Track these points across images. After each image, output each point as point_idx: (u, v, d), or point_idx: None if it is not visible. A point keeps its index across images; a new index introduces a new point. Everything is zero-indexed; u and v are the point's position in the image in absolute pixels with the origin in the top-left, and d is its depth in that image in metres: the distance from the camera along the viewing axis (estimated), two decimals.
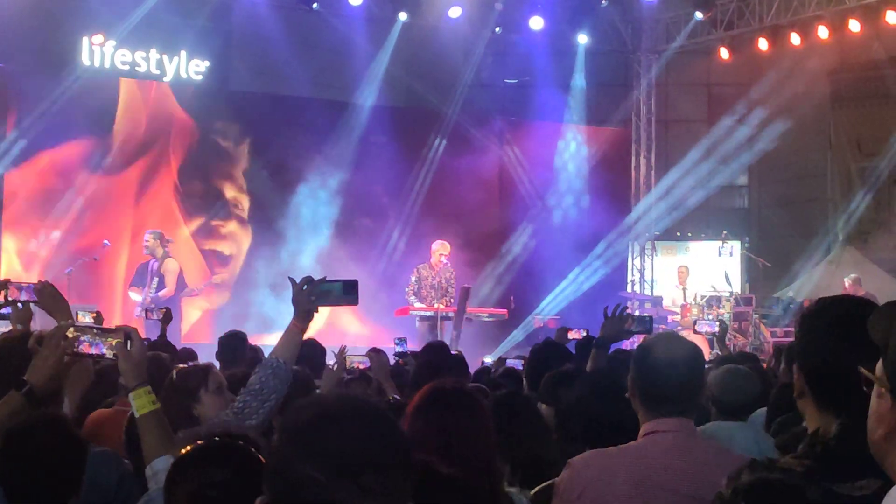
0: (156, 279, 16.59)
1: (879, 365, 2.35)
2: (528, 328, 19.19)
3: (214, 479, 3.13)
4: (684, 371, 4.02)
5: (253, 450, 3.22)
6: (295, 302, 4.85)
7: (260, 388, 4.72)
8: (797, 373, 3.25)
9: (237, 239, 19.65)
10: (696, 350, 4.17)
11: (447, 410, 3.96)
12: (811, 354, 3.21)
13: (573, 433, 5.14)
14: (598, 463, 4.05)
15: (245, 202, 19.64)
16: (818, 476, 2.51)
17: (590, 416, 4.83)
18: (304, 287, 4.84)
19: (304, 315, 4.84)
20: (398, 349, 11.64)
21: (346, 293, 4.94)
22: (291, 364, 4.87)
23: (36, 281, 5.90)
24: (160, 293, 16.60)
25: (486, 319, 18.60)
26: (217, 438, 3.28)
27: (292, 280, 4.91)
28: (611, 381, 5.12)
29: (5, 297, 5.64)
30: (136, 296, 16.89)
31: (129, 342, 4.08)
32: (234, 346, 9.14)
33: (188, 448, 3.31)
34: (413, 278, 17.25)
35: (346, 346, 8.34)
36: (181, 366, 5.51)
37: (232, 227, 19.57)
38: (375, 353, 8.33)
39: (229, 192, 19.50)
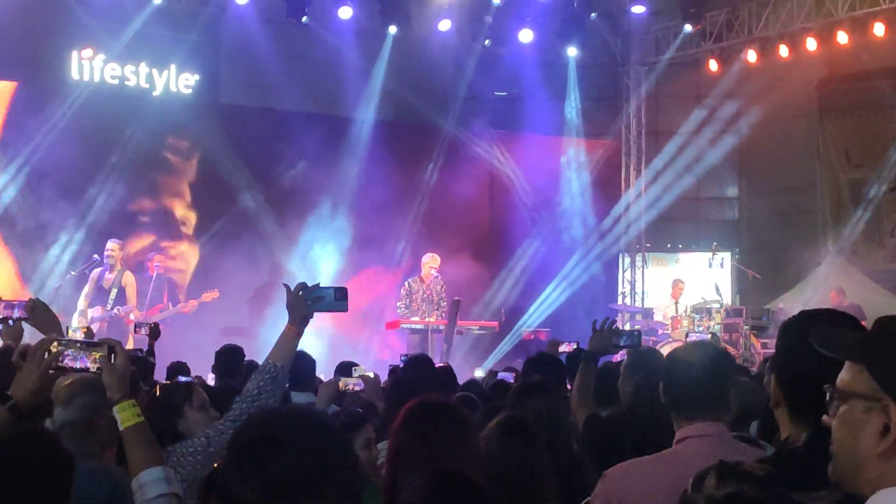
0: (115, 291, 16.23)
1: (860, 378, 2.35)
2: (519, 340, 19.18)
3: None
4: (705, 374, 4.08)
5: None
6: (290, 307, 4.91)
7: (258, 394, 4.74)
8: (773, 382, 3.28)
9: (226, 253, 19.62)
10: (719, 352, 4.27)
11: (431, 424, 3.97)
12: (787, 365, 3.25)
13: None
14: (633, 472, 4.09)
15: (236, 214, 19.60)
16: (778, 482, 2.52)
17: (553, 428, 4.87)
18: (300, 293, 4.90)
19: (300, 320, 4.89)
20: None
21: (338, 299, 4.98)
22: (288, 368, 4.89)
23: (27, 298, 5.90)
24: (124, 309, 16.21)
25: (477, 332, 18.62)
26: None
27: (287, 286, 4.97)
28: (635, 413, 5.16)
29: None
30: (94, 312, 16.16)
31: (112, 355, 4.07)
32: (231, 359, 9.17)
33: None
34: (403, 292, 17.25)
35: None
36: (164, 382, 5.53)
37: (222, 240, 19.54)
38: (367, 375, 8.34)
39: (218, 205, 19.45)
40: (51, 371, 4.04)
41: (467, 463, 3.95)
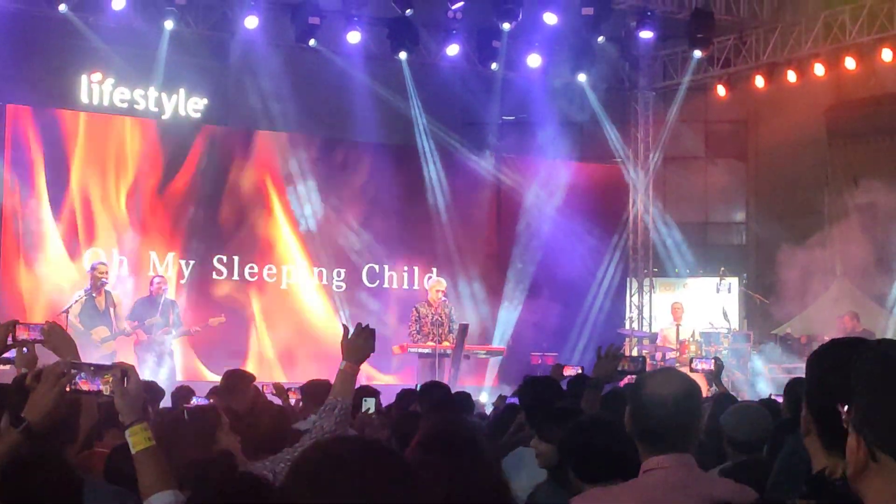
0: (112, 310, 16.26)
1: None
2: (527, 364, 19.14)
3: None
4: (675, 406, 4.01)
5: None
6: (350, 346, 5.24)
7: (333, 430, 4.97)
8: (805, 410, 3.26)
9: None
10: (690, 384, 4.16)
11: (447, 451, 3.97)
12: (818, 393, 3.22)
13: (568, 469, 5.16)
14: (599, 501, 4.05)
15: (247, 240, 19.63)
16: None
17: (583, 451, 4.83)
18: (362, 334, 5.28)
19: (361, 359, 5.25)
20: None
21: (373, 340, 5.38)
22: (349, 403, 5.23)
23: (44, 322, 5.90)
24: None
25: (484, 356, 18.63)
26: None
27: (346, 326, 5.38)
28: (607, 417, 5.12)
29: (13, 337, 5.61)
30: (101, 333, 16.14)
31: (125, 379, 4.08)
32: (236, 384, 9.12)
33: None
34: (413, 317, 17.28)
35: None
36: (189, 406, 5.49)
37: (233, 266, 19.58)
38: None
39: (230, 229, 19.46)
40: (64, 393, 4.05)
41: (483, 490, 3.96)
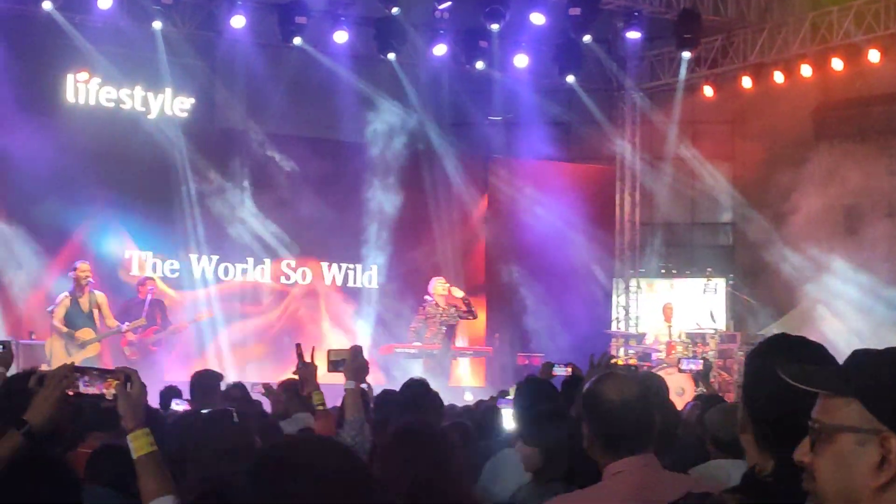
0: (96, 312, 16.29)
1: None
2: (513, 365, 19.14)
3: None
4: (638, 408, 4.08)
5: None
6: (353, 368, 5.58)
7: (359, 448, 5.15)
8: (742, 408, 3.26)
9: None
10: (641, 386, 4.28)
11: (415, 450, 3.98)
12: (754, 392, 3.21)
13: (555, 474, 5.18)
14: None
15: (232, 240, 19.57)
16: None
17: (573, 456, 4.85)
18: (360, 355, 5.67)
19: (362, 378, 5.72)
20: None
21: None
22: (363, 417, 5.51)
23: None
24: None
25: (471, 356, 18.65)
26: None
27: (350, 349, 5.74)
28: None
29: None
30: (84, 335, 16.12)
31: (128, 384, 4.05)
32: (208, 384, 9.02)
33: None
34: (420, 317, 17.36)
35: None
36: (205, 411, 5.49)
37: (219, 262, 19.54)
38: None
39: (216, 229, 19.38)
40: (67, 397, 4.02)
41: (450, 489, 3.97)
